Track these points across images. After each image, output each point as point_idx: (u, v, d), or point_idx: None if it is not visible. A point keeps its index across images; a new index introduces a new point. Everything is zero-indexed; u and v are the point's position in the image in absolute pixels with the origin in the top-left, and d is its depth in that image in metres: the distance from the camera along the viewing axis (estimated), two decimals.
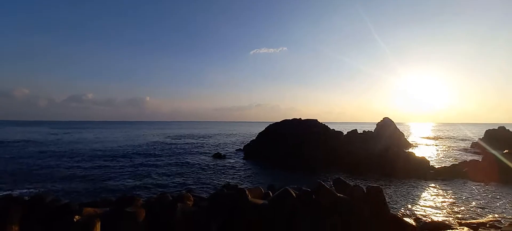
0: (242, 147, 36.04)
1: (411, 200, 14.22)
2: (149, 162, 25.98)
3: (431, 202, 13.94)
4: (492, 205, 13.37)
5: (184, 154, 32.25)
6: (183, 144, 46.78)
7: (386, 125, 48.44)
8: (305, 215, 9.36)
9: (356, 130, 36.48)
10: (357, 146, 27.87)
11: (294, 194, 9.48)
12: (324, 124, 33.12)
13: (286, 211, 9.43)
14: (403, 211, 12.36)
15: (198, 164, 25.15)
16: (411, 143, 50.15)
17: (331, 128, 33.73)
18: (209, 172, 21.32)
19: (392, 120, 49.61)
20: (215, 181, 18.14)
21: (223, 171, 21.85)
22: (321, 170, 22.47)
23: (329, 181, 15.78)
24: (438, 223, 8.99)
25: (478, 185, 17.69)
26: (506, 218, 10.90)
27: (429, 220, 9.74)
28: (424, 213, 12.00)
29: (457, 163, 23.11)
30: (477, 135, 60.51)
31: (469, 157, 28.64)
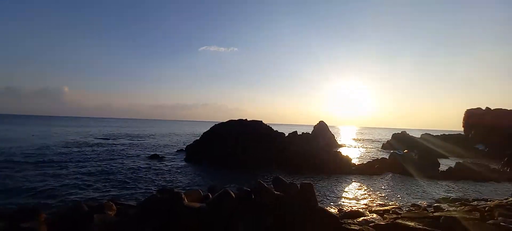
0: (184, 148, 33.85)
1: (336, 193, 16.23)
2: (62, 168, 21.16)
3: (351, 194, 16.26)
4: (394, 194, 16.55)
5: (113, 157, 27.68)
6: (112, 144, 40.33)
7: (321, 127, 54.47)
8: (244, 214, 9.47)
9: (296, 131, 39.62)
10: (297, 146, 30.24)
11: (233, 195, 9.43)
12: (269, 125, 34.64)
13: (225, 213, 9.31)
14: (329, 203, 13.99)
15: (129, 167, 22.05)
16: (340, 143, 57.60)
17: (275, 129, 35.60)
18: (142, 176, 18.92)
19: (326, 123, 56.17)
20: (149, 186, 16.32)
21: (159, 174, 19.89)
22: (264, 170, 23.32)
23: (270, 180, 16.44)
24: (354, 211, 10.50)
25: (385, 178, 21.67)
26: (405, 205, 13.67)
27: (349, 210, 11.28)
28: (345, 204, 13.88)
29: (371, 160, 27.77)
30: (387, 137, 74.08)
31: (380, 155, 34.82)
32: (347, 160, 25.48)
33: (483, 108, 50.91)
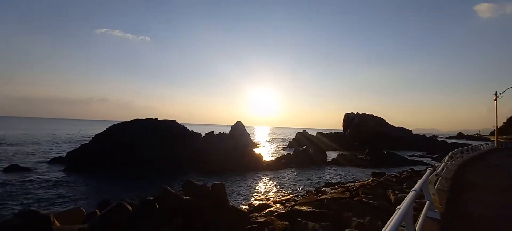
0: (64, 155, 26.16)
1: (248, 190, 17.04)
2: None
3: (261, 188, 17.51)
4: (295, 184, 19.07)
5: None
6: None
7: (238, 127, 56.60)
8: (145, 225, 8.24)
9: (213, 131, 39.21)
10: (214, 146, 29.85)
11: (129, 207, 7.99)
12: (183, 125, 32.49)
13: (119, 228, 7.78)
14: (241, 199, 14.45)
15: None
16: (255, 142, 61.71)
17: (191, 129, 33.80)
18: None
19: (243, 123, 58.87)
20: (4, 209, 11.52)
21: (23, 192, 14.34)
22: (177, 173, 21.55)
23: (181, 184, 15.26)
24: (262, 204, 11.27)
25: (289, 171, 24.75)
26: (301, 192, 15.89)
27: (258, 204, 11.98)
28: (255, 198, 14.73)
29: (279, 156, 31.18)
30: (292, 135, 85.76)
31: (286, 152, 39.73)
32: (259, 157, 27.45)
33: (355, 113, 67.86)
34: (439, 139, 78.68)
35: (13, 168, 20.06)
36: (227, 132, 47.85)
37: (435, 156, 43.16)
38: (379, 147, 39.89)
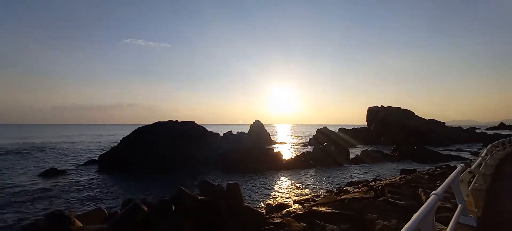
0: (97, 158, 27.62)
1: (267, 189, 16.71)
2: None
3: (279, 188, 17.08)
4: (315, 184, 18.37)
5: None
6: None
7: (257, 126, 56.63)
8: (161, 226, 8.34)
9: (231, 131, 39.57)
10: (232, 146, 30.00)
11: (144, 208, 8.11)
12: (202, 126, 33.15)
13: (136, 228, 7.95)
14: (259, 199, 14.17)
15: (9, 188, 16.31)
16: (274, 141, 61.17)
17: (210, 130, 34.38)
18: (28, 199, 14.10)
19: (261, 122, 58.71)
20: (36, 211, 12.42)
21: (57, 194, 15.40)
22: (196, 172, 21.99)
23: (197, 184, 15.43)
24: (280, 204, 10.88)
25: (309, 170, 23.95)
26: (321, 192, 15.20)
27: (276, 204, 11.62)
28: (273, 198, 14.36)
29: (299, 154, 30.36)
30: (312, 133, 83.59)
31: (306, 149, 38.60)
32: (278, 156, 26.94)
33: (379, 106, 64.19)
34: (478, 131, 71.29)
35: (51, 172, 21.76)
36: (247, 132, 48.07)
37: (473, 150, 39.24)
38: (408, 141, 37.15)
